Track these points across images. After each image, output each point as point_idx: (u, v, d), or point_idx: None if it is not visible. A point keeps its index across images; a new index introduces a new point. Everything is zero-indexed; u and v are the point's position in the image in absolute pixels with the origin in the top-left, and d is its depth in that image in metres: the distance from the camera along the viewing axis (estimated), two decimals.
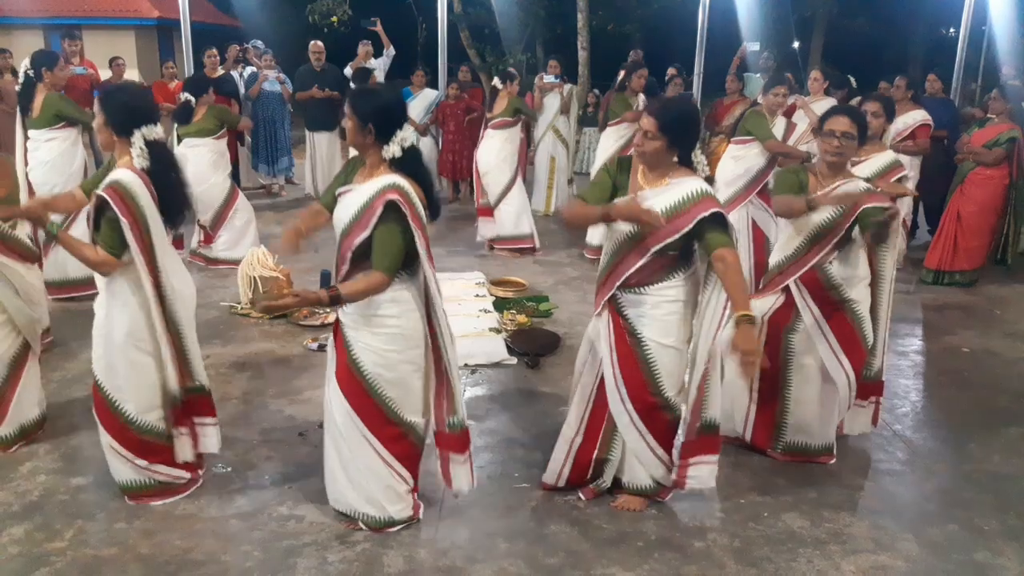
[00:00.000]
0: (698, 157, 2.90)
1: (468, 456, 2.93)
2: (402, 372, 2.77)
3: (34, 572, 2.69)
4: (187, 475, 3.15)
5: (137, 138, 2.79)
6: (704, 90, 10.49)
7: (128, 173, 2.77)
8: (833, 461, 3.52)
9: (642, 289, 2.88)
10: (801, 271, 3.30)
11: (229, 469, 3.35)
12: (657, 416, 2.97)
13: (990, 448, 3.71)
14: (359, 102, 2.67)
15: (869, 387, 3.55)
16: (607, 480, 3.15)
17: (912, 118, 6.32)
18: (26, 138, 5.22)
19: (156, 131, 2.84)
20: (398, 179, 2.62)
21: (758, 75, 9.09)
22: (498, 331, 4.87)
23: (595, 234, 6.40)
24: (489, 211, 6.86)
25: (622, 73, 7.36)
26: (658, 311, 2.88)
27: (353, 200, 2.66)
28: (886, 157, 3.84)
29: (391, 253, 2.60)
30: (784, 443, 3.51)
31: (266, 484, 3.24)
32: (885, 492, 3.35)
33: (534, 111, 7.15)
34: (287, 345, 4.78)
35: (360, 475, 2.85)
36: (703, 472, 2.99)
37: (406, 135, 2.67)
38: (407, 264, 2.68)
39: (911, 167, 6.51)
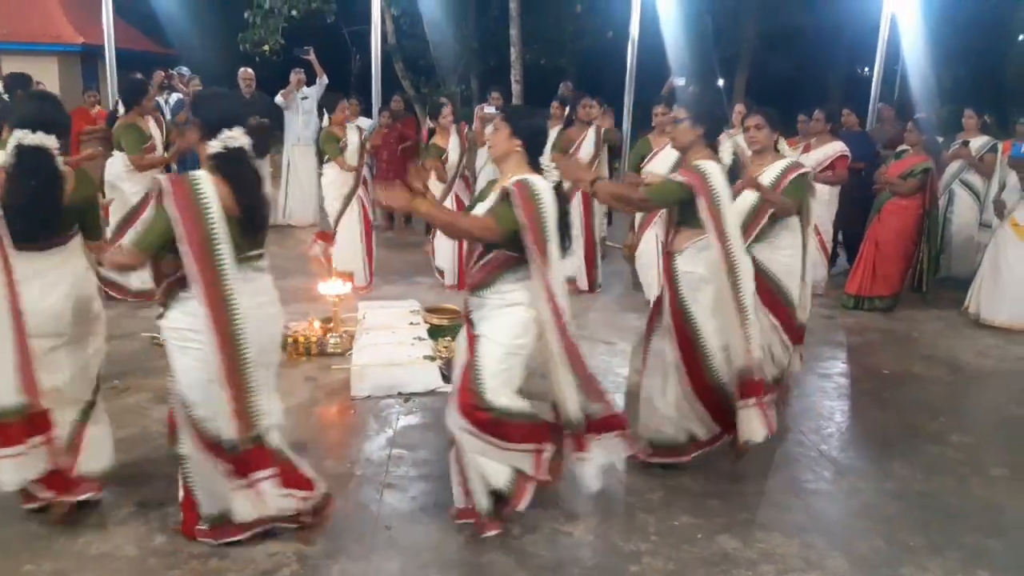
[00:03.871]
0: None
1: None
2: None
3: None
4: (48, 492, 2.98)
5: (12, 139, 2.87)
6: (633, 121, 10.72)
7: None
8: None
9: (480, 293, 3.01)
10: None
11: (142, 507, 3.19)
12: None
13: (912, 466, 3.82)
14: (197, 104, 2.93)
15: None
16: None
17: (832, 149, 6.58)
18: None
19: (32, 137, 2.85)
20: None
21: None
22: (432, 359, 4.81)
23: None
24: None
25: (556, 106, 7.44)
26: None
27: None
28: (781, 163, 4.01)
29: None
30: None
31: None
32: (813, 511, 3.40)
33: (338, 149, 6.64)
34: None
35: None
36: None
37: (234, 135, 2.72)
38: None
39: (831, 197, 6.78)
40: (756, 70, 18.21)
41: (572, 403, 2.95)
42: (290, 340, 4.97)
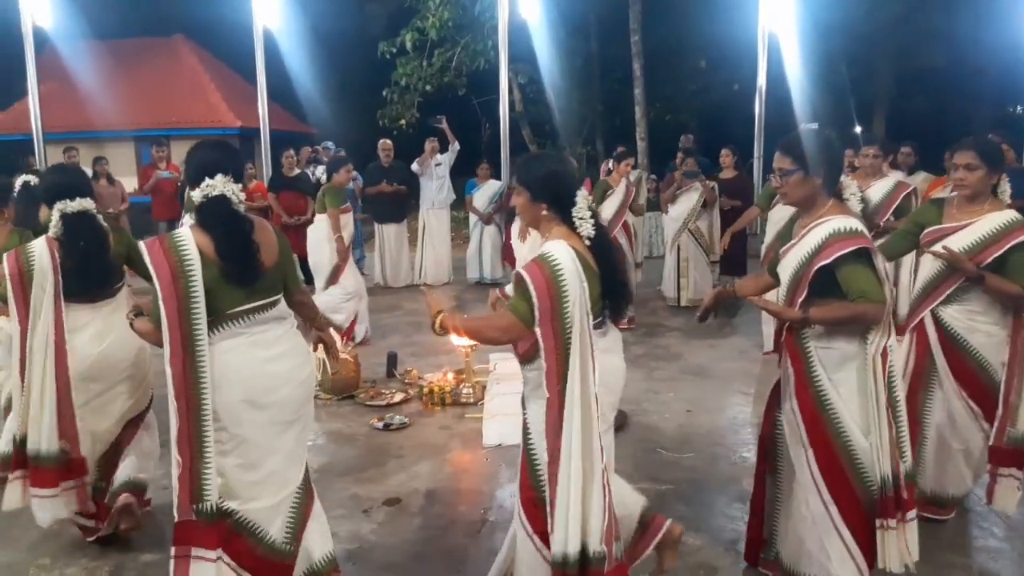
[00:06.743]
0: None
1: None
2: None
3: None
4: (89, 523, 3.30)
5: (55, 211, 3.19)
6: (764, 174, 10.53)
7: (39, 240, 3.22)
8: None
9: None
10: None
11: None
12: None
13: None
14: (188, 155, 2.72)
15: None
16: None
17: None
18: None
19: (72, 204, 3.20)
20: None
21: None
22: None
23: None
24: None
25: (681, 157, 7.45)
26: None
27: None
28: (998, 219, 3.13)
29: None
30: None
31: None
32: (984, 571, 3.11)
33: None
34: (353, 424, 4.83)
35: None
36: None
37: (214, 183, 2.58)
38: None
39: None
40: (894, 113, 17.47)
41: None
42: (426, 391, 5.15)
